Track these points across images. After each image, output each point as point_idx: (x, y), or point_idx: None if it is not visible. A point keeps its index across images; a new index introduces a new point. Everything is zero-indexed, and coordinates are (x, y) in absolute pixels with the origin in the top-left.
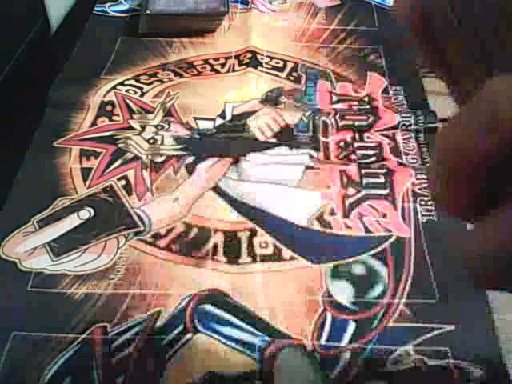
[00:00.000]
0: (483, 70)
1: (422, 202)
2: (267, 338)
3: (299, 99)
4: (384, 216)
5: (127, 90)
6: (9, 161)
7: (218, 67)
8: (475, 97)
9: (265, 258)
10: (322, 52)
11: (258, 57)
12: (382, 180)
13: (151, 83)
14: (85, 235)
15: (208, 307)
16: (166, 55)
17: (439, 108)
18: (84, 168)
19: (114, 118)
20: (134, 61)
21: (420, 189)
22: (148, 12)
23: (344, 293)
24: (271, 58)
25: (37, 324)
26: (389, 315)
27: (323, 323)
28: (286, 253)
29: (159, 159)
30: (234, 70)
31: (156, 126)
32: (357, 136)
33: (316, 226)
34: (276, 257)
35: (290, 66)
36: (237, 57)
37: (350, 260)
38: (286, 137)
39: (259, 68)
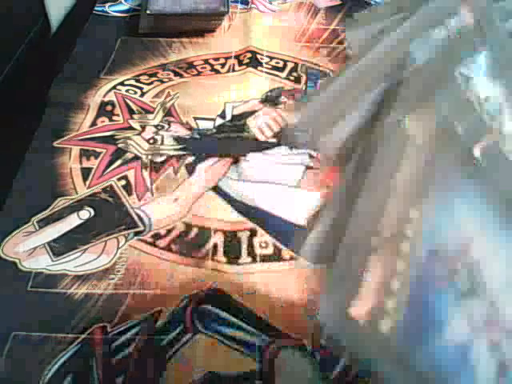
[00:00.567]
0: None
1: None
2: (267, 338)
3: (299, 99)
4: None
5: (127, 90)
6: (9, 161)
7: (218, 67)
8: None
9: (265, 258)
10: (321, 52)
11: (258, 57)
12: None
13: (151, 83)
14: (85, 235)
15: (208, 307)
16: (166, 55)
17: None
18: (84, 168)
19: (114, 117)
20: (133, 61)
21: None
22: (148, 12)
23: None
24: (271, 58)
25: (37, 324)
26: None
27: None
28: (286, 253)
29: (159, 159)
30: (234, 70)
31: (156, 126)
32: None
33: None
34: (276, 257)
35: (290, 65)
36: (237, 57)
37: None
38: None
39: (259, 68)
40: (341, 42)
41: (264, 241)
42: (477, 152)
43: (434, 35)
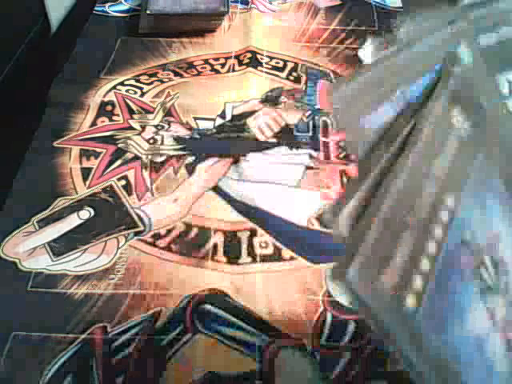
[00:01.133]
0: None
1: None
2: (267, 338)
3: (299, 99)
4: None
5: (127, 90)
6: (9, 161)
7: (218, 67)
8: None
9: (265, 258)
10: (321, 52)
11: (258, 57)
12: None
13: (151, 83)
14: (85, 235)
15: (208, 307)
16: (166, 55)
17: None
18: (84, 168)
19: (114, 117)
20: (133, 61)
21: None
22: (148, 12)
23: (344, 293)
24: (271, 58)
25: (37, 324)
26: None
27: (323, 323)
28: (286, 253)
29: (159, 159)
30: (234, 70)
31: (156, 126)
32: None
33: (316, 226)
34: (276, 257)
35: (290, 65)
36: (237, 57)
37: None
38: (286, 137)
39: (259, 68)
40: (341, 42)
41: (264, 241)
42: None
43: (483, 41)
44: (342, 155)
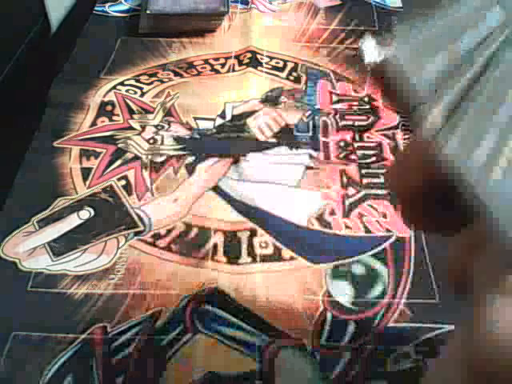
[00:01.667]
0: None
1: None
2: (267, 338)
3: (299, 99)
4: (384, 216)
5: (127, 90)
6: (9, 161)
7: (218, 67)
8: (410, 141)
9: (265, 258)
10: (321, 52)
11: (258, 57)
12: (381, 180)
13: (151, 83)
14: (85, 235)
15: (208, 307)
16: (166, 55)
17: None
18: (84, 168)
19: (114, 118)
20: (133, 61)
21: None
22: (148, 12)
23: (344, 293)
24: (271, 58)
25: (37, 324)
26: (389, 315)
27: (323, 323)
28: (286, 253)
29: (159, 159)
30: (234, 70)
31: (156, 126)
32: (357, 136)
33: (316, 226)
34: (276, 257)
35: (290, 65)
36: (237, 57)
37: (350, 260)
38: (285, 137)
39: (259, 68)
40: (341, 42)
41: (264, 241)
42: None
43: None
44: (342, 155)
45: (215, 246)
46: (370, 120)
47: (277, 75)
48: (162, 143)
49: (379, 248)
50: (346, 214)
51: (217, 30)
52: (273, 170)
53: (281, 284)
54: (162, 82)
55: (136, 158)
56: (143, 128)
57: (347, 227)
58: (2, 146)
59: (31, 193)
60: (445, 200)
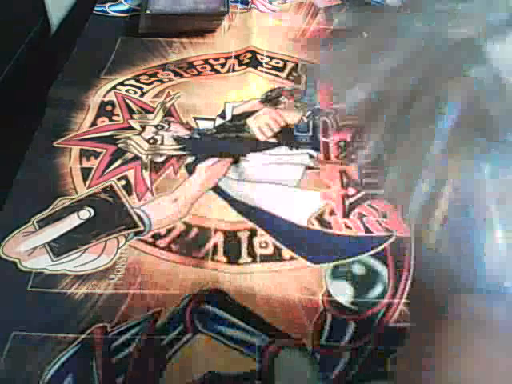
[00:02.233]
0: None
1: None
2: (267, 338)
3: (299, 99)
4: (384, 216)
5: (127, 90)
6: (9, 161)
7: (218, 67)
8: None
9: (265, 258)
10: (321, 52)
11: (258, 57)
12: None
13: (151, 83)
14: (85, 235)
15: (208, 307)
16: (166, 55)
17: None
18: (84, 168)
19: (114, 118)
20: (133, 61)
21: None
22: (148, 12)
23: (344, 293)
24: (271, 58)
25: (37, 324)
26: (389, 315)
27: (323, 323)
28: (286, 253)
29: (159, 159)
30: (234, 70)
31: (156, 126)
32: (357, 136)
33: (316, 226)
34: (276, 257)
35: (289, 66)
36: (237, 57)
37: (350, 260)
38: (286, 137)
39: (259, 68)
40: None
41: (264, 241)
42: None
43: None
44: (342, 155)
45: (215, 246)
46: None
47: (277, 75)
48: (162, 143)
49: (379, 248)
50: (346, 214)
51: (217, 30)
52: (273, 169)
53: (281, 284)
54: (162, 81)
55: (136, 157)
56: (143, 128)
57: (347, 227)
58: (2, 145)
59: (31, 193)
60: None
